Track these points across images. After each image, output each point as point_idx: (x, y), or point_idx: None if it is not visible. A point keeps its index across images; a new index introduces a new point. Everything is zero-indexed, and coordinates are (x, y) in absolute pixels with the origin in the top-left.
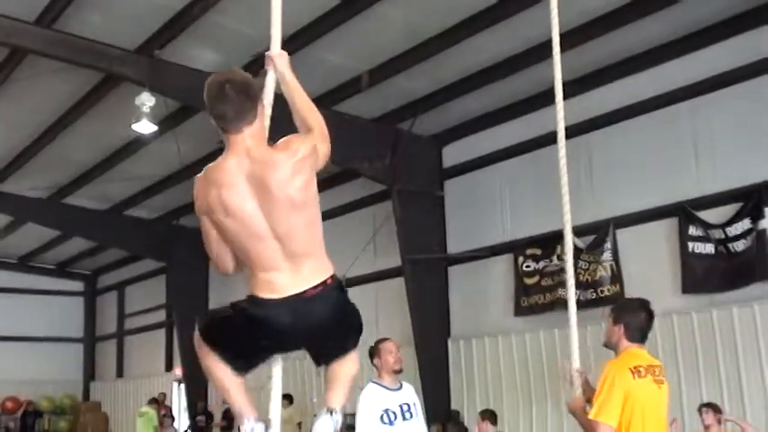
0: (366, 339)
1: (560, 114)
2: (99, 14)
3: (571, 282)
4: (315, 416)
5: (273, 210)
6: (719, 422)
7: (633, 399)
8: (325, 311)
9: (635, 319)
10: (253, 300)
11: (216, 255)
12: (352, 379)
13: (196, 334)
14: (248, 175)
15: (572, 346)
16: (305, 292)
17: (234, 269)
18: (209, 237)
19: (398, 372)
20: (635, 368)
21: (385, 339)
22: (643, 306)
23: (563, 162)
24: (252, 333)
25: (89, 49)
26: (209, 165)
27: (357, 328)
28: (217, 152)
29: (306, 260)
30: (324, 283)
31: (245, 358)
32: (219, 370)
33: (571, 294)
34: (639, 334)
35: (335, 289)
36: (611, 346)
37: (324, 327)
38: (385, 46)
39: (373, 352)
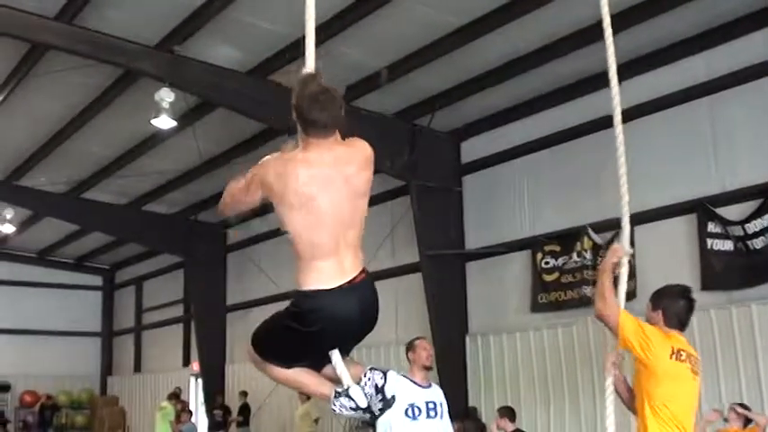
0: (385, 335)
1: (616, 99)
2: (119, 10)
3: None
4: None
5: (344, 199)
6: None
7: (668, 378)
8: (374, 297)
9: (674, 305)
10: (316, 293)
11: (237, 199)
12: None
13: (252, 354)
14: (329, 167)
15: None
16: (355, 278)
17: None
18: (251, 184)
19: (428, 368)
20: (678, 350)
21: (420, 338)
22: (683, 293)
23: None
24: (320, 328)
25: (109, 44)
26: (287, 152)
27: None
28: (235, 148)
29: (355, 250)
30: (364, 270)
31: (310, 359)
32: (293, 374)
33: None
34: (677, 320)
35: (370, 277)
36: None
37: (375, 313)
38: (404, 42)
39: (409, 347)
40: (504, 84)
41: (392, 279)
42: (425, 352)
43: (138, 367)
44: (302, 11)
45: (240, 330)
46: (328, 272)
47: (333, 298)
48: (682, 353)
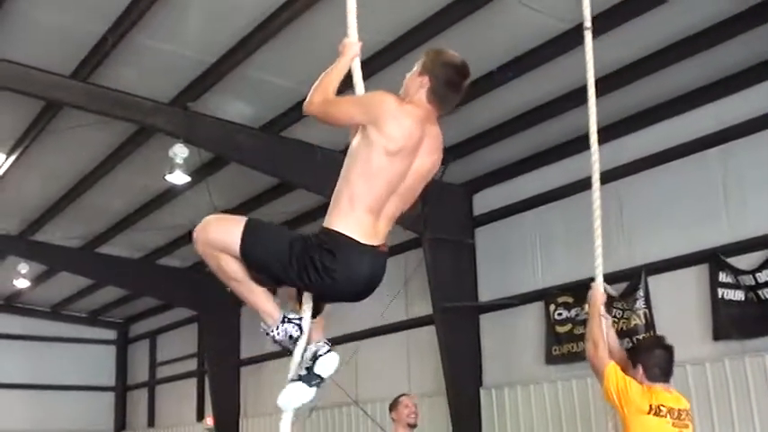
0: (398, 388)
1: (595, 157)
2: (134, 68)
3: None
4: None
5: (414, 174)
6: None
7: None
8: (383, 273)
9: (650, 357)
10: (350, 240)
11: (334, 108)
12: None
13: (217, 235)
14: (426, 138)
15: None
16: (380, 245)
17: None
18: (362, 102)
19: (413, 426)
20: (657, 406)
21: (404, 395)
22: (657, 343)
23: (597, 204)
24: (333, 274)
25: (123, 101)
26: (403, 104)
27: None
28: (248, 202)
29: (391, 222)
30: (386, 244)
31: (284, 282)
32: (244, 276)
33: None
34: (659, 371)
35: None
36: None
37: (373, 289)
38: None
39: (392, 406)
40: (516, 136)
41: (405, 332)
42: (408, 409)
43: (151, 422)
44: (315, 68)
45: (254, 384)
46: (367, 227)
47: (361, 254)
48: (662, 408)
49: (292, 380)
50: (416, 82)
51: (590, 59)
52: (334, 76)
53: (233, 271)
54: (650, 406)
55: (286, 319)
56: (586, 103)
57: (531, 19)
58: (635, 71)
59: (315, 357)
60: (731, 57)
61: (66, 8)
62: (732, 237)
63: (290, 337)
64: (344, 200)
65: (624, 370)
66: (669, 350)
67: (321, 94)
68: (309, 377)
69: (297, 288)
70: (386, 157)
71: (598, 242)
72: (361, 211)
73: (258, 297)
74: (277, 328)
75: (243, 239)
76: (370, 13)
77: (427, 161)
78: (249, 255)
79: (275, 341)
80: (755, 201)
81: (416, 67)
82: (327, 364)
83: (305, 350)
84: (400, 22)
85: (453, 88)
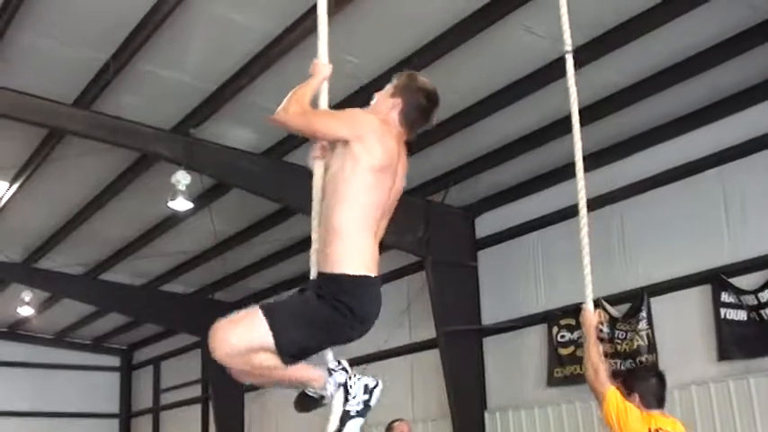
0: (402, 412)
1: (581, 183)
2: (136, 95)
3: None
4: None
5: (396, 196)
6: None
7: None
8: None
9: (646, 385)
10: (364, 279)
11: (310, 120)
12: None
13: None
14: (401, 160)
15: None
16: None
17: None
18: (343, 117)
19: None
20: (655, 430)
21: (398, 420)
22: (651, 372)
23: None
24: (355, 321)
25: (126, 129)
26: (383, 123)
27: None
28: (251, 228)
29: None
30: None
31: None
32: (274, 358)
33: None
34: (654, 399)
35: None
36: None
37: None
38: None
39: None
40: (516, 159)
41: (409, 356)
42: None
43: None
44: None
45: (259, 411)
46: (370, 255)
47: (375, 288)
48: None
49: (352, 416)
50: (389, 103)
51: (572, 85)
52: (307, 92)
53: (269, 362)
54: (649, 430)
55: (331, 372)
56: (586, 126)
57: (530, 43)
58: (634, 94)
59: (368, 391)
60: (728, 79)
61: (69, 36)
62: (733, 257)
63: (339, 384)
64: (341, 232)
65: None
66: (663, 379)
67: (297, 104)
68: (365, 409)
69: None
70: (373, 175)
71: (586, 261)
72: (362, 237)
73: (299, 370)
74: (329, 384)
75: (273, 330)
76: (370, 38)
77: (400, 183)
78: (286, 341)
79: (331, 396)
80: (756, 221)
81: (389, 88)
82: (379, 392)
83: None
84: (399, 48)
85: (423, 114)
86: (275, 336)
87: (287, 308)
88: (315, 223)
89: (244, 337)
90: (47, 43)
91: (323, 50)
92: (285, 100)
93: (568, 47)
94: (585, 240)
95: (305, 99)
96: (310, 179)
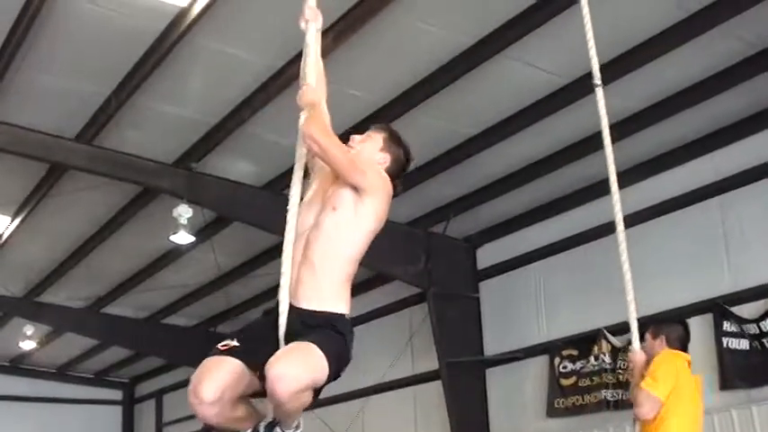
0: None
1: (617, 206)
2: (137, 130)
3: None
4: None
5: None
6: None
7: (680, 383)
8: None
9: (673, 331)
10: (348, 319)
11: (341, 153)
12: None
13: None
14: None
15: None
16: None
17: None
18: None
19: None
20: (688, 362)
21: None
22: (680, 321)
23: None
24: (347, 356)
25: (128, 163)
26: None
27: None
28: (252, 260)
29: None
30: None
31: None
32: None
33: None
34: (679, 344)
35: None
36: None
37: None
38: (417, 152)
39: None
40: (517, 190)
41: (411, 387)
42: None
43: None
44: None
45: None
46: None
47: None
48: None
49: None
50: (379, 157)
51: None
52: (325, 122)
53: (307, 399)
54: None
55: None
56: (586, 156)
57: (530, 75)
58: (633, 124)
59: None
60: (728, 107)
61: (71, 72)
62: (734, 286)
63: None
64: (339, 279)
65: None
66: (689, 330)
67: (322, 123)
68: None
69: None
70: (370, 236)
71: (630, 297)
72: (347, 288)
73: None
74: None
75: (329, 369)
76: (372, 71)
77: None
78: (329, 379)
79: None
80: (757, 250)
81: (377, 140)
82: None
83: None
84: (400, 81)
85: (401, 170)
86: (329, 374)
87: (330, 345)
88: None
89: (313, 376)
90: (49, 79)
91: (311, 75)
92: (309, 121)
93: (598, 80)
94: (626, 267)
95: (325, 121)
96: None
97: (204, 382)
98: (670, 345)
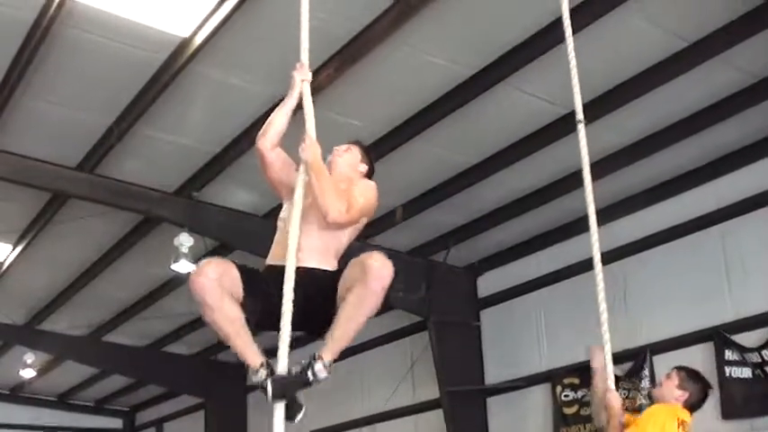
0: None
1: (595, 238)
2: (139, 159)
3: None
4: None
5: None
6: None
7: None
8: None
9: (699, 396)
10: None
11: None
12: None
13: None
14: None
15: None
16: None
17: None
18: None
19: None
20: (681, 421)
21: None
22: (706, 388)
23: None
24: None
25: (129, 192)
26: None
27: None
28: None
29: None
30: None
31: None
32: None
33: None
34: (694, 409)
35: None
36: (662, 400)
37: None
38: (418, 181)
39: None
40: (518, 218)
41: (413, 416)
42: None
43: None
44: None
45: None
46: None
47: None
48: (686, 424)
49: None
50: (360, 166)
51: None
52: (332, 181)
53: None
54: (677, 420)
55: None
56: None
57: (529, 105)
58: (634, 153)
59: None
60: (726, 137)
61: (73, 102)
62: (736, 314)
63: None
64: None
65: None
66: (707, 399)
67: (343, 199)
68: None
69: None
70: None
71: (606, 337)
72: None
73: None
74: None
75: None
76: (372, 101)
77: None
78: None
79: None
80: (757, 278)
81: (357, 154)
82: None
83: None
84: (400, 110)
85: (372, 170)
86: None
87: None
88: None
89: None
90: (50, 108)
91: (311, 128)
92: (330, 198)
93: (580, 116)
94: (603, 306)
95: (337, 189)
96: None
97: (213, 264)
98: (686, 404)
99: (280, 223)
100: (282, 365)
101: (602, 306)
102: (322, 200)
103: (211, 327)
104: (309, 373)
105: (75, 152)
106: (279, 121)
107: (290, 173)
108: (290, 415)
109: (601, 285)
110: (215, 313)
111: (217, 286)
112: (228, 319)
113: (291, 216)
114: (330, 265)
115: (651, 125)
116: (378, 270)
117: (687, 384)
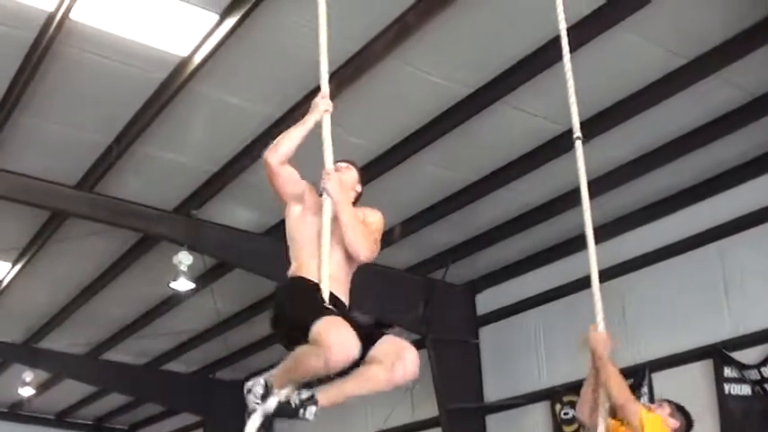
0: None
1: (592, 254)
2: (138, 177)
3: None
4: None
5: None
6: None
7: None
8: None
9: (686, 429)
10: None
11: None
12: None
13: None
14: None
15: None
16: None
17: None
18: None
19: None
20: None
21: None
22: (691, 423)
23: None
24: None
25: (128, 210)
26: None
27: None
28: (252, 306)
29: None
30: None
31: None
32: None
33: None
34: None
35: None
36: None
37: None
38: (416, 199)
39: None
40: (517, 236)
41: None
42: None
43: None
44: (313, 174)
45: None
46: None
47: None
48: None
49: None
50: (358, 186)
51: (582, 169)
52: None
53: None
54: None
55: None
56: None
57: (528, 123)
58: (632, 170)
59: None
60: (725, 154)
61: (72, 120)
62: (735, 331)
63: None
64: None
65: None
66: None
67: (370, 238)
68: None
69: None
70: None
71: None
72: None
73: None
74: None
75: None
76: (371, 120)
77: None
78: None
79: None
80: (756, 295)
81: (354, 174)
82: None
83: None
84: (399, 128)
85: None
86: None
87: None
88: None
89: None
90: (50, 127)
91: (329, 158)
92: (361, 239)
93: (578, 132)
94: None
95: (366, 229)
96: None
97: (354, 338)
98: None
99: (302, 237)
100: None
101: (601, 325)
102: (354, 241)
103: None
104: (303, 411)
105: (74, 171)
106: (292, 143)
107: (297, 183)
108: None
109: (599, 303)
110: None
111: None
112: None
113: (322, 244)
114: (347, 297)
115: (649, 142)
116: (409, 370)
117: (677, 415)
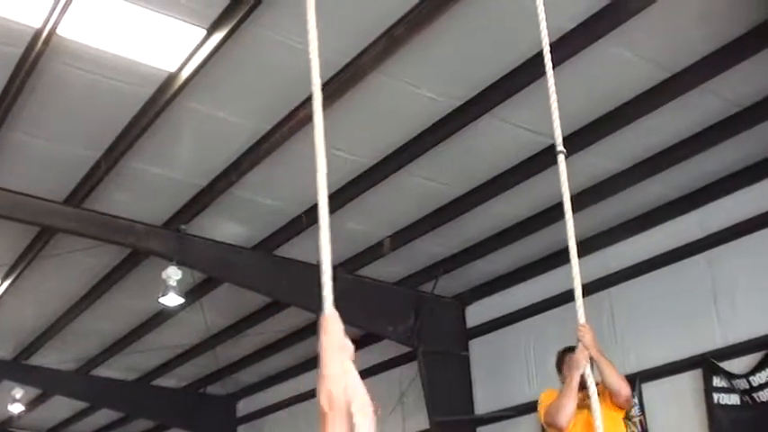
0: None
1: (575, 267)
2: (127, 192)
3: None
4: None
5: None
6: None
7: None
8: None
9: None
10: None
11: None
12: None
13: None
14: None
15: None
16: None
17: None
18: None
19: None
20: None
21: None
22: None
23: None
24: None
25: (117, 226)
26: None
27: None
28: (242, 321)
29: None
30: None
31: None
32: None
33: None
34: None
35: None
36: None
37: None
38: (405, 212)
39: None
40: (506, 248)
41: None
42: None
43: None
44: (303, 188)
45: None
46: None
47: None
48: None
49: None
50: None
51: (564, 182)
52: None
53: None
54: None
55: None
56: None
57: (517, 135)
58: (620, 182)
59: None
60: (712, 165)
61: (60, 136)
62: (724, 341)
63: None
64: None
65: None
66: None
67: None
68: None
69: None
70: None
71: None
72: None
73: None
74: None
75: None
76: (358, 133)
77: None
78: None
79: None
80: (744, 304)
81: None
82: None
83: None
84: (386, 142)
85: None
86: None
87: None
88: None
89: None
90: (38, 142)
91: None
92: (620, 378)
93: (560, 146)
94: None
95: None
96: (300, 272)
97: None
98: None
99: None
100: None
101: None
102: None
103: None
104: None
105: (62, 186)
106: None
107: None
108: None
109: (582, 316)
110: None
111: None
112: None
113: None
114: None
115: (638, 153)
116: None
117: None
